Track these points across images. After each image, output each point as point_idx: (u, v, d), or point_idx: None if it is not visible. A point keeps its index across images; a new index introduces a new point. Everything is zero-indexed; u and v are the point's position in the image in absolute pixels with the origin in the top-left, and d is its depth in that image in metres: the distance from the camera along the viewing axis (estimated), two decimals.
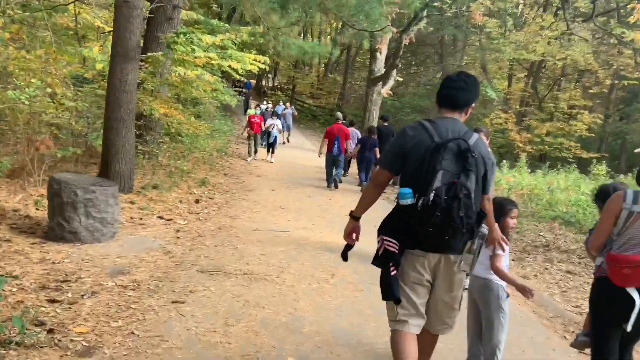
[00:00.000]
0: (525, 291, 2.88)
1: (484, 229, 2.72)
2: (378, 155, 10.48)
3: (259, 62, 16.43)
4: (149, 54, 9.33)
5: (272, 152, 13.81)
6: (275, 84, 49.88)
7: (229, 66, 14.87)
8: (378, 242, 2.57)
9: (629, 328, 2.49)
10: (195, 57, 9.34)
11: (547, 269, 6.16)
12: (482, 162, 2.43)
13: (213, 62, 14.66)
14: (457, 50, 28.01)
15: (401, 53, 17.72)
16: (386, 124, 11.87)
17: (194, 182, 8.83)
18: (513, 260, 6.46)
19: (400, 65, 18.44)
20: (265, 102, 20.19)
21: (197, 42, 11.98)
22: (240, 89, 35.81)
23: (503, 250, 2.91)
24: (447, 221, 2.24)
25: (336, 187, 10.52)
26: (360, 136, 11.93)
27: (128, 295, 3.71)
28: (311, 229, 6.66)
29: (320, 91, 38.78)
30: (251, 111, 13.89)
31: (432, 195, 2.25)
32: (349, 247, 2.83)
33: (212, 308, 3.66)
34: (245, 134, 13.95)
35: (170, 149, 11.10)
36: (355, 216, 2.77)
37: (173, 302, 3.68)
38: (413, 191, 2.34)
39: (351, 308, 3.99)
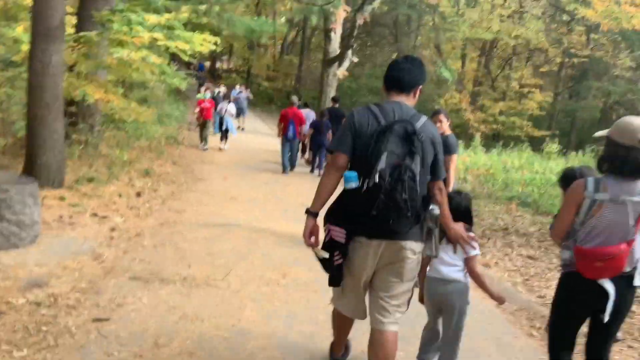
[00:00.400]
0: (500, 299, 2.75)
1: (435, 210, 2.53)
2: (330, 138, 10.36)
3: (210, 42, 15.67)
4: (81, 33, 8.53)
5: (226, 138, 12.70)
6: (231, 67, 48.58)
7: (177, 47, 14.10)
8: (325, 231, 2.50)
9: (606, 318, 2.35)
10: (133, 37, 8.57)
11: (507, 254, 5.98)
12: (430, 145, 2.40)
13: (159, 42, 13.86)
14: (412, 31, 27.86)
15: (356, 33, 17.32)
16: (337, 105, 11.70)
17: (137, 173, 8.18)
18: None
19: (355, 46, 18.04)
20: (220, 86, 18.82)
21: (139, 21, 11.26)
22: (194, 72, 34.61)
23: (474, 248, 2.73)
24: (390, 204, 2.20)
25: (292, 168, 10.61)
26: (315, 118, 11.72)
27: (41, 313, 3.18)
28: (264, 221, 6.22)
29: (277, 73, 37.94)
30: (200, 95, 12.85)
31: (376, 177, 2.21)
32: (324, 261, 2.52)
33: (141, 325, 3.18)
34: (199, 120, 12.81)
35: (113, 137, 10.32)
36: (312, 212, 2.56)
37: (95, 320, 3.17)
38: (358, 175, 2.32)
39: (304, 314, 3.59)
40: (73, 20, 10.23)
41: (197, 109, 12.56)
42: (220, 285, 3.96)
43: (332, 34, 17.56)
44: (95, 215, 5.63)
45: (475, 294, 4.34)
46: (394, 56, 32.42)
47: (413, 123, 2.34)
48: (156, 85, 15.65)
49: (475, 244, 2.74)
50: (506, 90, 24.62)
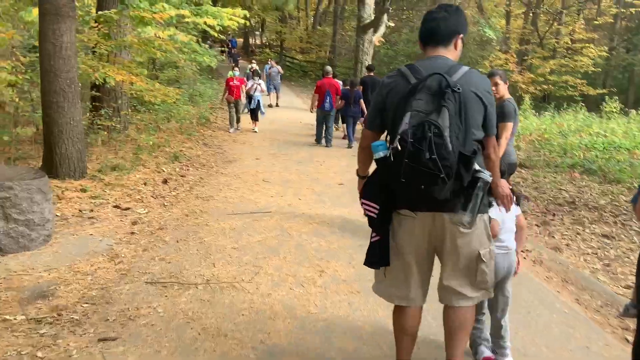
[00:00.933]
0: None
1: (485, 174, 2.10)
2: (365, 109, 10.29)
3: (239, 17, 15.10)
4: (99, 12, 8.09)
5: (256, 119, 11.60)
6: (264, 42, 47.86)
7: (205, 23, 13.63)
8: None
9: None
10: (154, 13, 8.06)
11: (578, 234, 5.19)
12: (475, 98, 2.10)
13: (186, 19, 13.41)
14: None
15: None
16: (372, 74, 11.29)
17: (165, 158, 7.77)
18: (537, 225, 5.49)
19: (390, 10, 16.93)
20: (252, 63, 17.61)
21: None
22: (226, 48, 34.10)
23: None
24: (416, 167, 1.91)
25: (328, 143, 10.23)
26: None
27: (40, 333, 2.74)
28: (298, 206, 5.66)
29: (310, 45, 36.94)
30: (230, 73, 11.68)
31: (396, 141, 1.94)
32: (370, 220, 2.26)
33: (153, 345, 2.69)
34: (225, 101, 11.74)
35: (141, 121, 9.97)
36: (360, 175, 2.48)
37: (101, 339, 2.71)
38: (387, 143, 2.12)
39: (344, 325, 3.02)
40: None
41: (227, 89, 11.55)
42: (248, 288, 3.44)
43: None
44: (117, 207, 5.21)
45: (547, 286, 3.68)
46: None
47: (449, 75, 2.03)
48: (187, 64, 15.26)
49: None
50: (556, 47, 22.83)
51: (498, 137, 3.97)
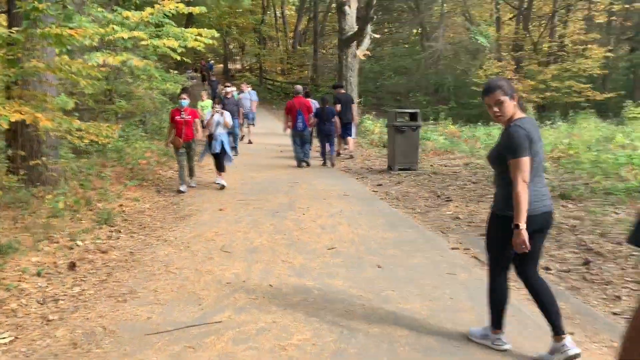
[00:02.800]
0: None
1: None
2: (339, 126, 10.30)
3: (206, 37, 13.16)
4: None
5: (221, 168, 7.94)
6: (245, 66, 46.26)
7: (164, 45, 11.67)
8: None
9: None
10: (71, 29, 6.08)
11: None
12: None
13: (144, 42, 11.47)
14: None
15: (375, 2, 14.45)
16: (342, 90, 11.67)
17: (92, 220, 5.71)
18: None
19: (375, 18, 15.22)
20: (227, 86, 12.63)
21: (118, 21, 9.05)
22: (198, 74, 32.22)
23: None
24: None
25: (307, 164, 10.03)
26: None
27: None
28: (265, 303, 3.62)
29: (291, 65, 35.30)
30: (185, 103, 7.84)
31: None
32: None
33: None
34: (170, 145, 7.99)
35: (79, 170, 7.89)
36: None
37: None
38: None
39: None
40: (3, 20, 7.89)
41: (171, 127, 7.81)
42: None
43: (347, 7, 14.78)
44: None
45: None
46: (416, 31, 29.43)
47: None
48: (145, 94, 13.29)
49: None
50: (554, 51, 21.23)
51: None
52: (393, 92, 23.82)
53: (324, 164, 10.14)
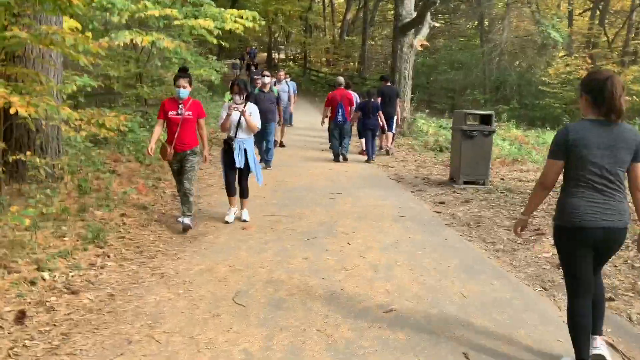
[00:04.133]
0: None
1: None
2: (383, 121, 9.89)
3: (247, 19, 11.87)
4: None
5: (244, 194, 5.53)
6: (289, 55, 44.98)
7: (199, 26, 10.55)
8: None
9: None
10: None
11: None
12: None
13: (176, 22, 10.42)
14: None
15: None
16: (388, 83, 10.94)
17: (78, 237, 4.45)
18: None
19: (437, 3, 13.42)
20: (263, 75, 9.07)
21: None
22: (238, 61, 31.02)
23: None
24: None
25: (345, 159, 9.52)
26: (359, 100, 10.39)
27: None
28: None
29: (337, 56, 33.70)
30: (185, 93, 4.95)
31: None
32: None
33: None
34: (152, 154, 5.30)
35: (83, 163, 6.67)
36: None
37: None
38: None
39: None
40: None
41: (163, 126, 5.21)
42: None
43: None
44: None
45: None
46: (474, 23, 27.20)
47: None
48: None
49: None
50: (632, 50, 18.80)
51: None
52: (447, 89, 21.89)
53: (368, 160, 9.66)
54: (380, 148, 10.67)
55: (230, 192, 5.49)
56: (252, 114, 5.38)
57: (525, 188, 7.39)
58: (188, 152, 5.05)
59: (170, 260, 4.21)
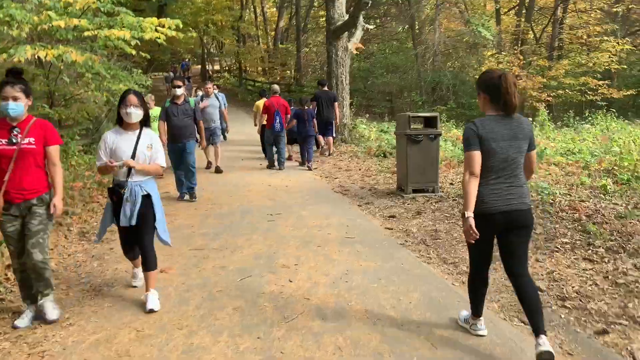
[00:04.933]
0: None
1: None
2: (316, 128, 9.97)
3: (168, 27, 10.84)
4: None
5: (145, 263, 3.52)
6: (224, 66, 43.76)
7: (114, 36, 9.46)
8: None
9: None
10: None
11: None
12: None
13: (86, 33, 9.24)
14: None
15: None
16: (325, 88, 10.92)
17: None
18: None
19: (369, 5, 12.96)
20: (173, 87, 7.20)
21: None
22: (171, 72, 29.55)
23: None
24: None
25: (280, 167, 9.55)
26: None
27: None
28: None
29: (273, 64, 32.92)
30: (14, 108, 3.13)
31: None
32: None
33: None
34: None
35: None
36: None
37: None
38: None
39: None
40: None
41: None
42: None
43: None
44: None
45: None
46: (405, 28, 27.29)
47: None
48: (92, 96, 10.87)
49: None
50: (568, 44, 19.26)
51: None
52: (384, 92, 21.66)
53: (303, 164, 9.79)
54: (319, 147, 11.01)
55: (129, 255, 3.76)
56: (153, 150, 3.49)
57: None
58: (33, 201, 3.21)
59: (59, 330, 3.24)
